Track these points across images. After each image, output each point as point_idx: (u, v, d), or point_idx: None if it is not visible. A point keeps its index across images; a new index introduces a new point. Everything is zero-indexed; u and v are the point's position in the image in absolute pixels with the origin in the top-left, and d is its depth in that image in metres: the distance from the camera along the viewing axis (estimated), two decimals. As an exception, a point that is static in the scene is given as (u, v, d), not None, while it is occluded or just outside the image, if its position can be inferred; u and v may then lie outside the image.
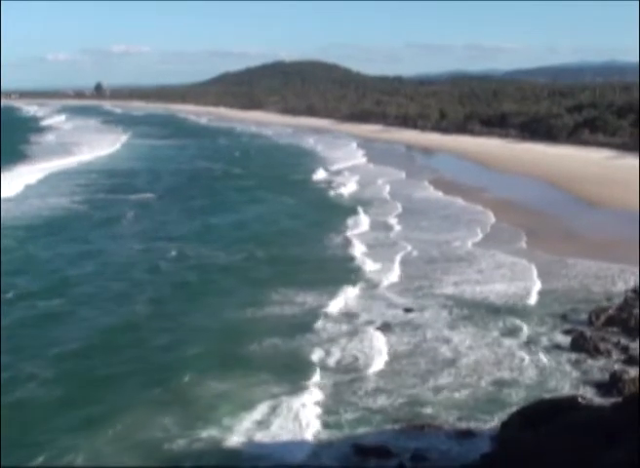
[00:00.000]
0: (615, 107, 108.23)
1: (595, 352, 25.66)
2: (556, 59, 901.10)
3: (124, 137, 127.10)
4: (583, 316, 29.39)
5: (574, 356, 25.63)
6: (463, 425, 20.89)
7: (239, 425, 20.84)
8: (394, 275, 35.80)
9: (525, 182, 67.56)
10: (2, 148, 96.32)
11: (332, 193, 63.02)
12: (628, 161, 76.61)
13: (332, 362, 25.41)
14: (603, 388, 22.78)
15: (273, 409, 21.80)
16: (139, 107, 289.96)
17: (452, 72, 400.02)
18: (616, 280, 34.18)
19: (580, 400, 19.81)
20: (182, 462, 19.14)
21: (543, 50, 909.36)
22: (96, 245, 44.00)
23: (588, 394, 22.28)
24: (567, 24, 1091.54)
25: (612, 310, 29.38)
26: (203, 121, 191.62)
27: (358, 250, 41.20)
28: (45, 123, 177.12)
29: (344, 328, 28.66)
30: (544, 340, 27.27)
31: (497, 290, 33.03)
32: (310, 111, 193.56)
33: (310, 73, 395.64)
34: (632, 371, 23.14)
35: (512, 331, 28.18)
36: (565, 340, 27.00)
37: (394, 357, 25.81)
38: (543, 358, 25.53)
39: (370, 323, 29.22)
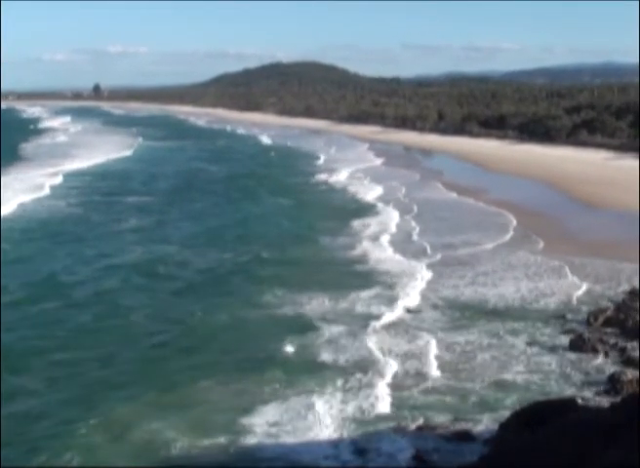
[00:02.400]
0: (613, 108, 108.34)
1: (593, 353, 25.61)
2: (553, 60, 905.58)
3: (133, 140, 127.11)
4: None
5: (572, 356, 25.55)
6: (461, 427, 20.80)
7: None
8: (428, 275, 35.75)
9: (527, 184, 67.32)
10: (14, 150, 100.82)
11: (352, 196, 62.36)
12: (627, 162, 76.62)
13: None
14: (601, 389, 22.73)
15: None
16: (137, 109, 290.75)
17: (449, 73, 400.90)
18: (631, 280, 34.01)
19: (578, 401, 19.75)
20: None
21: (540, 50, 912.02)
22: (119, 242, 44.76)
23: (586, 395, 22.20)
24: (564, 25, 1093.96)
25: (610, 311, 29.36)
26: (203, 123, 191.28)
27: (389, 252, 41.10)
28: (51, 124, 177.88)
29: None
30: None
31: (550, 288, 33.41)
32: (308, 112, 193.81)
33: (308, 74, 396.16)
34: (630, 373, 23.08)
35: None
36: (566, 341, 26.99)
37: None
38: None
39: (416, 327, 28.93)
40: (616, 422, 14.07)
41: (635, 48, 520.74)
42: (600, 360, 25.17)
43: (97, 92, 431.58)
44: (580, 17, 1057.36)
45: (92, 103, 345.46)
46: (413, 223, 49.27)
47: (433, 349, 26.36)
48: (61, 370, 24.77)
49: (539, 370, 24.48)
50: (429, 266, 37.58)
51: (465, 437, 20.16)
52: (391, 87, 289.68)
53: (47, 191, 64.83)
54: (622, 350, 25.95)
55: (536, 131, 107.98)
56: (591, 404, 20.61)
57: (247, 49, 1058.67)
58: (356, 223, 49.43)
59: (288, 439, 20.18)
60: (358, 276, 35.97)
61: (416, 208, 54.92)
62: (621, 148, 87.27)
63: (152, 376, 24.16)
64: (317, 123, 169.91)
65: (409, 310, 30.77)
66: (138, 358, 26.01)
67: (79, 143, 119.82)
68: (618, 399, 19.17)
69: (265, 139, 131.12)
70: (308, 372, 24.28)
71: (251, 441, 20.18)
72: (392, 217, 51.23)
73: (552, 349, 26.38)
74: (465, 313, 30.40)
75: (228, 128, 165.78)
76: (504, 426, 19.25)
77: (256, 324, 29.48)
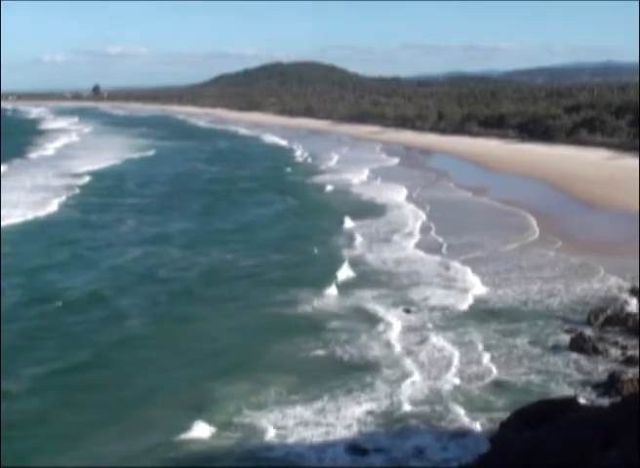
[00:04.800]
0: (613, 107, 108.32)
1: (594, 352, 25.62)
2: (553, 60, 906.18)
3: (139, 141, 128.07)
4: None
5: (573, 356, 25.60)
6: (462, 425, 20.84)
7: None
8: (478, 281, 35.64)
9: (530, 184, 67.43)
10: (33, 150, 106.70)
11: (379, 197, 61.72)
12: (627, 161, 76.67)
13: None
14: (602, 388, 22.72)
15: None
16: (137, 109, 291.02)
17: (449, 73, 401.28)
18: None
19: (578, 400, 19.76)
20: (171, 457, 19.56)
21: (540, 50, 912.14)
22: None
23: (587, 394, 22.24)
24: (563, 24, 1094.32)
25: (610, 310, 29.38)
26: (205, 124, 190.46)
27: (421, 253, 41.37)
28: (61, 125, 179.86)
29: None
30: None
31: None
32: (308, 112, 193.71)
33: (308, 74, 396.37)
34: (631, 372, 23.09)
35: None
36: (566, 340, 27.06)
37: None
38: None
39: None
40: (616, 421, 14.09)
41: (635, 47, 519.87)
42: (600, 359, 25.18)
43: (96, 92, 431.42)
44: (579, 16, 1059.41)
45: (92, 104, 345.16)
46: (441, 223, 49.48)
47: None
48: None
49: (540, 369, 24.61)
50: (465, 262, 38.21)
51: (466, 435, 20.19)
52: (391, 87, 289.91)
53: (77, 191, 68.03)
54: (623, 349, 25.99)
55: (535, 130, 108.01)
56: (592, 403, 20.63)
57: (247, 49, 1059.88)
58: (393, 222, 50.07)
59: (279, 438, 20.46)
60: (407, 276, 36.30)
61: (440, 207, 55.53)
62: (621, 147, 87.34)
63: (225, 367, 25.19)
64: (317, 123, 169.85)
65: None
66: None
67: (93, 144, 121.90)
68: (618, 398, 19.19)
69: (271, 140, 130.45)
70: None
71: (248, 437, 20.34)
72: (419, 216, 51.86)
73: (553, 348, 26.49)
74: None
75: (231, 128, 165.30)
76: (505, 425, 19.26)
77: (326, 316, 30.19)
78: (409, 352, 26.23)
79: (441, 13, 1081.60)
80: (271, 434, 20.53)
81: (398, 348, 26.69)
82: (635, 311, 29.12)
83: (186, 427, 20.62)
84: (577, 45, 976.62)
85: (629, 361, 24.79)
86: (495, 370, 24.56)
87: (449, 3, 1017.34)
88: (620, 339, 26.88)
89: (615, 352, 25.77)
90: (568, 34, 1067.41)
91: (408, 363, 25.24)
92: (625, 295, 31.64)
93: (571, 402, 19.03)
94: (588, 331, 27.32)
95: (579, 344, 26.16)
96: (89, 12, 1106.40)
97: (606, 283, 33.97)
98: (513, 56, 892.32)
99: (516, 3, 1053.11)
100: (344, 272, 36.61)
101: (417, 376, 24.08)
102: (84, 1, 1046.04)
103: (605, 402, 20.26)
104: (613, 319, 28.61)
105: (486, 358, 25.63)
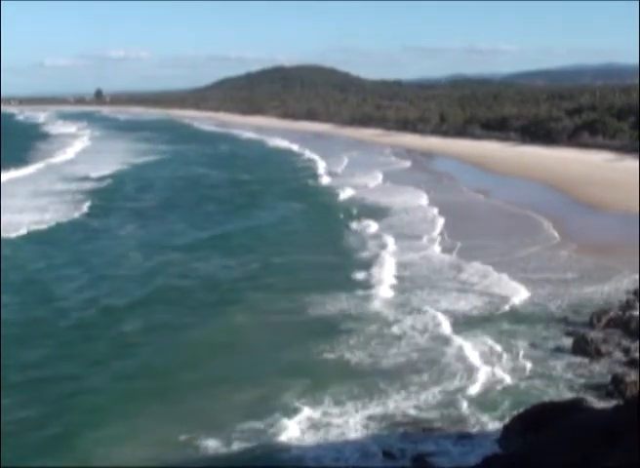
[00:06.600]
0: (614, 110, 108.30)
1: (597, 354, 25.72)
2: (553, 62, 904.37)
3: (147, 145, 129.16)
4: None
5: (576, 358, 25.72)
6: (465, 429, 20.94)
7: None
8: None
9: (536, 187, 67.41)
10: (50, 155, 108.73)
11: (395, 200, 61.49)
12: (628, 163, 76.78)
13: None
14: (605, 390, 22.79)
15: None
16: (140, 113, 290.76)
17: (451, 75, 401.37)
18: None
19: (581, 402, 19.87)
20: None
21: (540, 52, 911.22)
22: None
23: (590, 396, 22.26)
24: (564, 26, 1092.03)
25: (613, 312, 29.46)
26: (210, 128, 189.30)
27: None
28: (70, 130, 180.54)
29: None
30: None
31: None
32: (311, 116, 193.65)
33: (310, 78, 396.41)
34: (634, 374, 23.17)
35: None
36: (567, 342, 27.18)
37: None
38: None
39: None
40: (619, 423, 14.21)
41: (636, 49, 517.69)
42: (603, 361, 25.28)
43: (99, 96, 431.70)
44: (579, 18, 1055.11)
45: (95, 108, 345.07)
46: (465, 226, 49.65)
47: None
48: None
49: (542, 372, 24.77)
50: (496, 265, 38.30)
51: (470, 438, 20.31)
52: (393, 90, 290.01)
53: (98, 195, 68.83)
54: (626, 351, 26.04)
55: (537, 132, 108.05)
56: (595, 405, 20.73)
57: (248, 53, 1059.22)
58: (418, 225, 50.49)
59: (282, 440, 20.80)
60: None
61: (459, 210, 55.84)
62: (623, 149, 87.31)
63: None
64: (320, 126, 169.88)
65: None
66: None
67: (105, 148, 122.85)
68: (621, 400, 19.31)
69: (278, 143, 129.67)
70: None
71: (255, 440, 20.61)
72: (439, 220, 51.86)
73: (555, 350, 26.63)
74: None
75: (236, 132, 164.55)
76: (508, 428, 19.41)
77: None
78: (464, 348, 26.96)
79: (442, 15, 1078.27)
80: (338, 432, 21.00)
81: (452, 343, 27.48)
82: (637, 313, 29.18)
83: (263, 426, 21.42)
84: (578, 47, 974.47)
85: (632, 363, 24.85)
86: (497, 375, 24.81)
87: (450, 5, 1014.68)
88: (622, 341, 26.93)
89: (617, 354, 25.82)
90: (569, 36, 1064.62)
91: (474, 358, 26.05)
92: (628, 297, 31.74)
93: (574, 404, 19.17)
94: (591, 333, 27.40)
95: (581, 346, 26.28)
96: (90, 15, 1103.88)
97: (632, 282, 34.18)
98: (514, 58, 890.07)
99: (516, 5, 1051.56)
100: (384, 275, 36.98)
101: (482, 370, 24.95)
102: (85, 2, 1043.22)
103: (608, 404, 20.36)
104: (615, 321, 28.70)
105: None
